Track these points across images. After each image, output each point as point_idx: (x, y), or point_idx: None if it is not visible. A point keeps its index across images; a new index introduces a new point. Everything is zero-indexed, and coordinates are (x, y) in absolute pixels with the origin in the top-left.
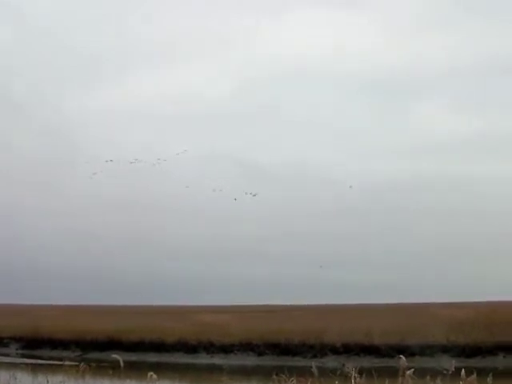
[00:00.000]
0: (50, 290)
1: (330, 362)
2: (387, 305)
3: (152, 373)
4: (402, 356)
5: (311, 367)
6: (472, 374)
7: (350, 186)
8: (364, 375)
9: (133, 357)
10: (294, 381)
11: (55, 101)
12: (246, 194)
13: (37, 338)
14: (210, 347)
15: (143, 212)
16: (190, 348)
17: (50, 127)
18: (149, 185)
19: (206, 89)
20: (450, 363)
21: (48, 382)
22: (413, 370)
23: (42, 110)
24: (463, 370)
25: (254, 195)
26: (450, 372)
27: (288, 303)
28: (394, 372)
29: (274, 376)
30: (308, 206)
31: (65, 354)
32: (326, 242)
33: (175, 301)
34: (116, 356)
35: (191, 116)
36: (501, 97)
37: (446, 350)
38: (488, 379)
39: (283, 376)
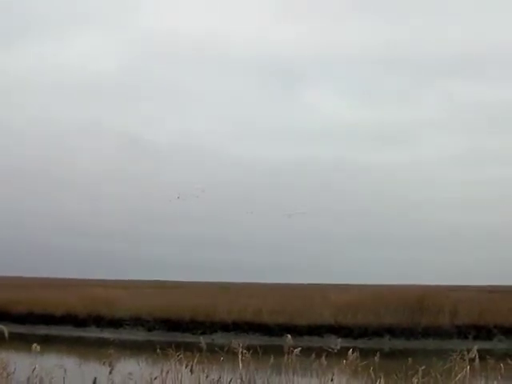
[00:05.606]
0: None
1: (219, 338)
2: (277, 284)
3: (36, 344)
4: (288, 335)
5: (200, 343)
6: (356, 353)
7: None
8: (251, 352)
9: (21, 329)
10: (182, 355)
11: None
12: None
13: None
14: (99, 321)
15: (30, 182)
16: (79, 321)
17: None
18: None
19: (91, 62)
20: (337, 343)
21: None
22: (300, 348)
23: None
24: (351, 350)
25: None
26: (336, 350)
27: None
28: (281, 350)
29: (159, 350)
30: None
31: None
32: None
33: (64, 274)
34: (0, 326)
35: (76, 88)
36: (387, 87)
37: (334, 330)
38: (375, 358)
39: (170, 350)
